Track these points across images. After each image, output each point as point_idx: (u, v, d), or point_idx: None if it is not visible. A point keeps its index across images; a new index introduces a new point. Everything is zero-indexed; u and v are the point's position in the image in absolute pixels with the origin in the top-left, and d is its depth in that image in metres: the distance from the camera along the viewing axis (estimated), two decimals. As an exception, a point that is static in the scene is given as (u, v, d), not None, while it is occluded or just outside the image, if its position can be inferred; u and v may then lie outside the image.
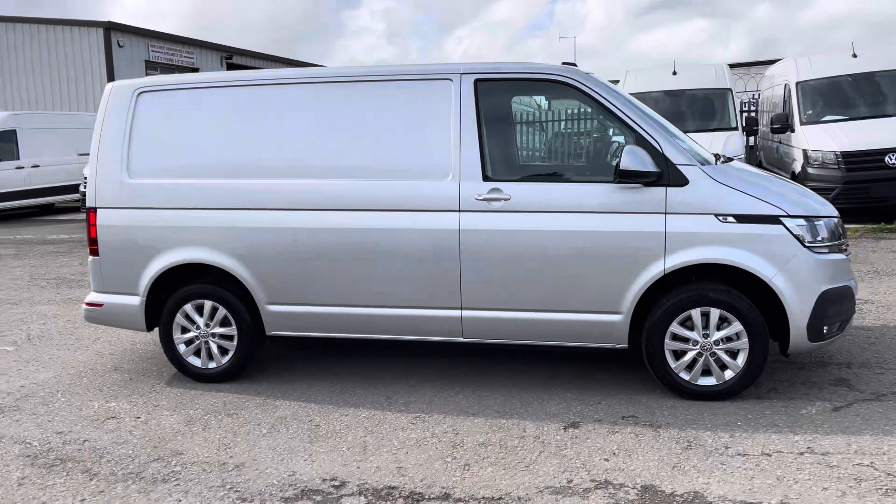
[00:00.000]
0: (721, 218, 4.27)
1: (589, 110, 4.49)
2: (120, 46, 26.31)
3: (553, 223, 4.42)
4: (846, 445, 3.76)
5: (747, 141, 15.30)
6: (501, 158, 4.61)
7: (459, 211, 4.53)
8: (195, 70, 30.34)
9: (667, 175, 4.31)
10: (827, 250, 4.32)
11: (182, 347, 5.08)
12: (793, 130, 11.63)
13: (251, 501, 3.45)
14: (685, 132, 11.24)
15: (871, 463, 3.56)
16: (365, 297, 4.73)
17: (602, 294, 4.42)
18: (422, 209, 4.58)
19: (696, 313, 4.35)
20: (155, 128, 5.01)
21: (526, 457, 3.80)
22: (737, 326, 4.31)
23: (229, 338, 5.00)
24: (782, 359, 5.10)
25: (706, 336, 4.37)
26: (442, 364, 5.27)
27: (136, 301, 5.06)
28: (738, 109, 12.13)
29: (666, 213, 4.32)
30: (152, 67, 28.13)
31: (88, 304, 5.23)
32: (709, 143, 10.97)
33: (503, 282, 4.52)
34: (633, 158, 4.18)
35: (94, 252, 5.11)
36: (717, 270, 4.41)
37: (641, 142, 4.36)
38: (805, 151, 11.03)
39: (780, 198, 4.30)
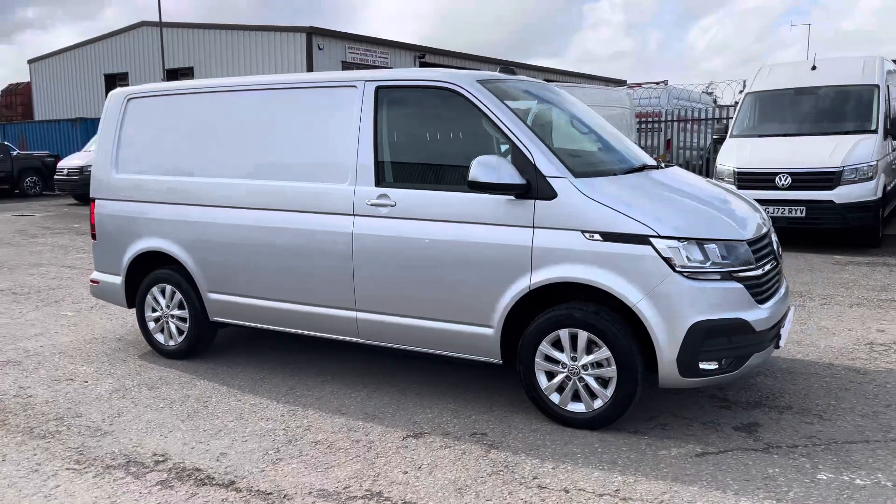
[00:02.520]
0: (587, 235, 3.98)
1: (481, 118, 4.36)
2: (320, 49, 28.75)
3: (431, 231, 4.39)
4: (660, 494, 3.38)
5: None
6: (394, 164, 4.64)
7: (353, 215, 4.65)
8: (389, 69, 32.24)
9: (535, 187, 4.10)
10: (718, 276, 3.85)
11: (151, 325, 5.73)
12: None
13: (81, 464, 3.91)
14: (808, 134, 10.17)
15: (661, 517, 3.19)
16: (281, 292, 5.01)
17: (473, 306, 4.31)
18: (325, 211, 4.76)
19: (564, 334, 4.10)
20: (137, 129, 5.69)
21: (337, 459, 3.87)
22: (605, 352, 4.00)
23: (184, 320, 5.55)
24: (714, 391, 4.59)
25: (574, 359, 4.10)
26: (371, 363, 5.40)
27: (118, 280, 5.79)
28: (885, 110, 10.52)
29: (534, 227, 4.11)
30: (348, 68, 30.35)
31: (91, 280, 6.07)
32: (832, 148, 9.82)
33: (388, 286, 4.57)
34: (481, 169, 4.03)
35: (94, 236, 5.93)
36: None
37: (516, 151, 4.18)
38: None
39: (654, 216, 3.90)
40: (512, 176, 4.05)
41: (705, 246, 3.87)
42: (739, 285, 3.89)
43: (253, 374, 5.27)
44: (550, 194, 4.07)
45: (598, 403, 4.08)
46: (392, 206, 4.51)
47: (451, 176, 4.48)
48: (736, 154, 10.55)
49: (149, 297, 5.69)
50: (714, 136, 12.28)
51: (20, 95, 48.20)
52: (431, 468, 3.73)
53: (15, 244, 12.49)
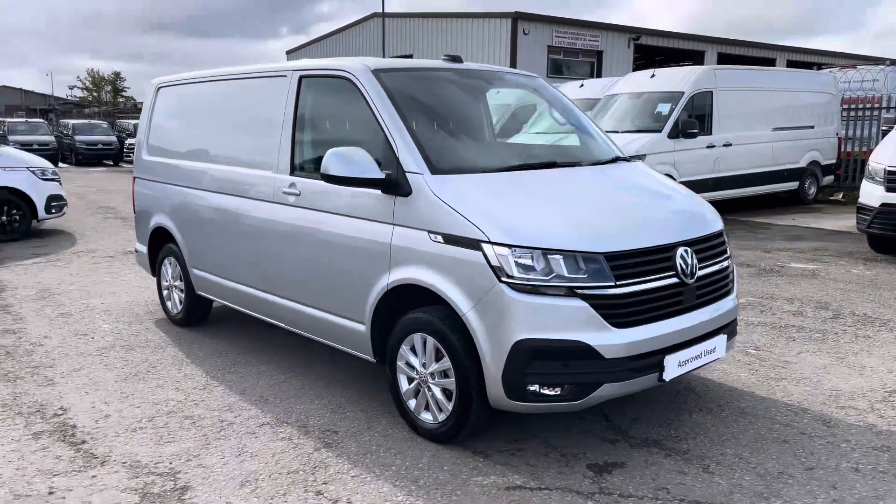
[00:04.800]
0: (432, 236, 3.70)
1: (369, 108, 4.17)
2: (525, 34, 28.72)
3: (323, 222, 4.36)
4: (415, 522, 3.10)
5: None
6: (305, 153, 4.63)
7: (271, 202, 4.76)
8: (599, 53, 31.29)
9: (397, 182, 3.88)
10: (562, 291, 3.39)
11: (165, 293, 6.33)
12: None
13: (5, 408, 4.48)
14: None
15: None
16: (230, 272, 5.28)
17: (350, 301, 4.22)
18: (255, 197, 4.91)
19: (417, 338, 3.87)
20: (161, 116, 6.27)
21: (185, 436, 4.03)
22: (447, 362, 3.71)
23: (183, 291, 6.06)
24: (620, 421, 4.03)
25: (424, 366, 3.86)
26: (324, 352, 5.46)
27: (145, 250, 6.47)
28: None
29: (393, 225, 3.91)
30: (555, 52, 29.99)
31: (135, 249, 6.83)
32: None
33: (293, 274, 4.64)
34: (333, 161, 3.89)
35: (134, 210, 6.66)
36: None
37: (385, 144, 3.99)
38: None
39: (493, 220, 3.51)
40: (367, 170, 3.88)
41: (549, 257, 3.42)
42: (583, 304, 3.38)
43: (219, 347, 5.61)
44: (407, 191, 3.84)
45: (442, 416, 3.80)
46: (297, 195, 4.54)
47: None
48: (893, 149, 8.86)
49: (162, 267, 6.28)
50: (883, 128, 10.36)
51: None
52: (248, 457, 3.76)
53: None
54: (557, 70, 29.41)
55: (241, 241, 5.06)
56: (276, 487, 3.44)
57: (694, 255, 3.77)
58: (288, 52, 43.94)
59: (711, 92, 13.01)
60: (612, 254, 3.46)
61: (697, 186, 12.73)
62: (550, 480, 3.45)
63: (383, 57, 31.78)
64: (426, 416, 3.90)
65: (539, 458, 3.68)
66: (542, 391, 3.43)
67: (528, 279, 3.40)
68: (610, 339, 3.40)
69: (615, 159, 4.65)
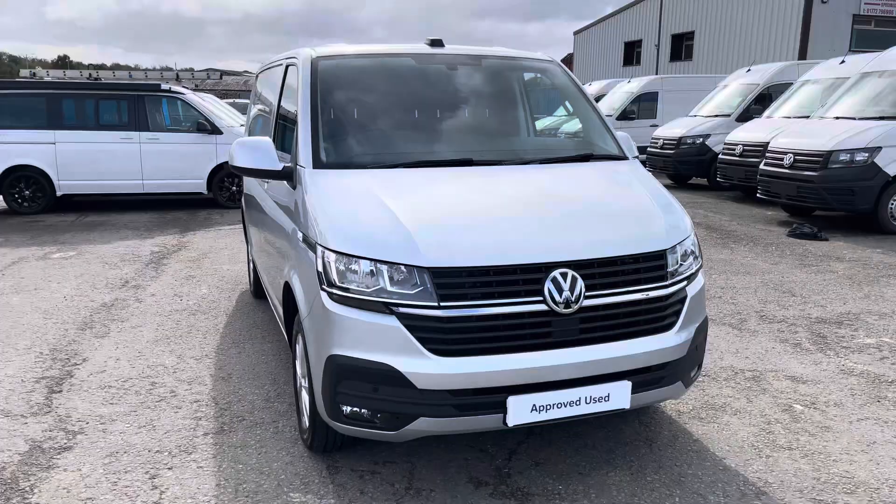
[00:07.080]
0: (300, 235, 3.52)
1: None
2: (823, 2, 25.01)
3: (271, 209, 4.40)
4: (185, 526, 3.03)
5: None
6: (277, 141, 4.65)
7: (262, 187, 4.91)
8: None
9: (290, 175, 3.77)
10: (383, 307, 3.02)
11: (250, 266, 6.86)
12: None
13: (49, 348, 5.27)
14: None
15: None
16: (257, 250, 5.56)
17: (280, 290, 4.20)
18: (260, 182, 5.09)
19: (300, 339, 3.72)
20: (256, 100, 6.74)
21: (125, 400, 4.38)
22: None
23: (254, 265, 6.52)
24: (525, 460, 3.49)
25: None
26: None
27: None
28: None
29: (288, 218, 3.80)
30: (863, 21, 25.69)
31: (247, 223, 7.48)
32: None
33: (266, 255, 4.78)
34: (237, 151, 3.84)
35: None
36: None
37: (295, 135, 3.87)
38: None
39: (332, 223, 3.22)
40: (266, 161, 3.79)
41: (377, 267, 3.05)
42: (397, 324, 2.97)
43: (257, 321, 5.94)
44: (296, 184, 3.70)
45: (307, 423, 3.63)
46: (268, 182, 4.61)
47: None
48: None
49: (247, 244, 6.81)
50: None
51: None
52: (146, 430, 3.96)
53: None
54: (864, 44, 25.10)
55: (257, 221, 5.31)
56: (128, 464, 3.59)
57: (581, 280, 3.07)
58: (575, 33, 43.63)
59: None
60: (440, 270, 2.98)
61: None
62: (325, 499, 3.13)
63: (658, 35, 30.08)
64: (303, 420, 3.76)
65: (378, 487, 3.34)
66: (356, 414, 3.11)
67: (348, 290, 3.08)
68: (425, 368, 2.95)
69: (587, 157, 3.96)
